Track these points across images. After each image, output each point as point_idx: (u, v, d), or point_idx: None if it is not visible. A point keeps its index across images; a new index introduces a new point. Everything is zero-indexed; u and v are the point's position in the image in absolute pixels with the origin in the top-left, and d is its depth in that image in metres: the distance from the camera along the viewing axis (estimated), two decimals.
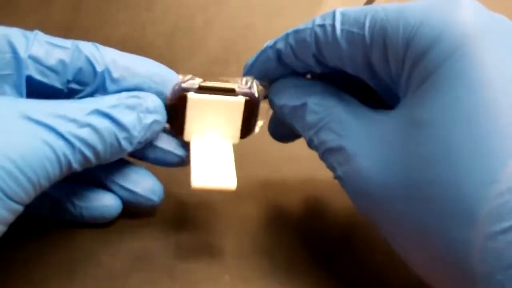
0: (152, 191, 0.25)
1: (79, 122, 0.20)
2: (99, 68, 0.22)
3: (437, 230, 0.18)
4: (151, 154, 0.25)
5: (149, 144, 0.24)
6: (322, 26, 0.22)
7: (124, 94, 0.22)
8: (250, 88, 0.24)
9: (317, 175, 0.29)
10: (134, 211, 0.27)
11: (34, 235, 0.25)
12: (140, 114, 0.22)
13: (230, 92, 0.24)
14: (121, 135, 0.22)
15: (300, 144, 0.27)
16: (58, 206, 0.25)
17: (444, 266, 0.18)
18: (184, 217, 0.27)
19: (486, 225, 0.16)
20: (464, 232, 0.17)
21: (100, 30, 0.36)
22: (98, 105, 0.21)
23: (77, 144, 0.20)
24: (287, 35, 0.24)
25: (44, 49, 0.22)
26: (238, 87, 0.24)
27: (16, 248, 0.24)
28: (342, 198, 0.28)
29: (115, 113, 0.22)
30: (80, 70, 0.22)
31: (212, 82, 0.24)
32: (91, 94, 0.23)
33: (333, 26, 0.22)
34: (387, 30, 0.20)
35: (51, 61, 0.22)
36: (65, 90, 0.22)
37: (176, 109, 0.24)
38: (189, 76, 0.24)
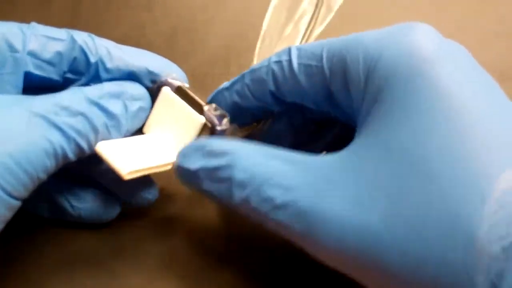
0: (148, 190, 0.25)
1: (72, 111, 0.21)
2: (92, 59, 0.23)
3: (432, 259, 0.16)
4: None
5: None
6: (279, 62, 0.22)
7: (106, 83, 0.23)
8: (218, 117, 0.23)
9: None
10: (134, 211, 0.27)
11: (32, 234, 0.25)
12: (126, 101, 0.23)
13: (199, 108, 0.23)
14: (110, 123, 0.22)
15: None
16: (57, 207, 0.25)
17: None
18: (183, 217, 0.27)
19: (486, 247, 0.16)
20: (465, 257, 0.16)
21: (100, 30, 0.36)
22: (88, 94, 0.21)
23: (72, 134, 0.20)
24: (243, 76, 0.24)
25: (40, 42, 0.22)
26: (209, 109, 0.23)
27: (15, 248, 0.24)
28: None
29: (104, 103, 0.22)
30: (74, 60, 0.23)
31: (191, 92, 0.24)
32: (86, 84, 0.23)
33: (289, 61, 0.22)
34: (346, 61, 0.20)
35: (48, 54, 0.22)
36: (61, 81, 0.23)
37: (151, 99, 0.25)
38: (180, 80, 0.25)
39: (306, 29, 0.28)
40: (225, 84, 0.25)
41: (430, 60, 0.18)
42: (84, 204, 0.25)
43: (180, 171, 0.22)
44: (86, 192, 0.25)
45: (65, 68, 0.23)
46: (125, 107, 0.23)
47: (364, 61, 0.19)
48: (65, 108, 0.20)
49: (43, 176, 0.20)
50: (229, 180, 0.20)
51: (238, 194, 0.20)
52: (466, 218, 0.16)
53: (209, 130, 0.23)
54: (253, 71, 0.23)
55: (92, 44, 0.23)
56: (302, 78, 0.22)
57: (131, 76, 0.23)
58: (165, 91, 0.24)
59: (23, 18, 0.41)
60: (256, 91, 0.23)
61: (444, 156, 0.17)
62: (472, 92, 0.18)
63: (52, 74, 0.23)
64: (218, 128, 0.23)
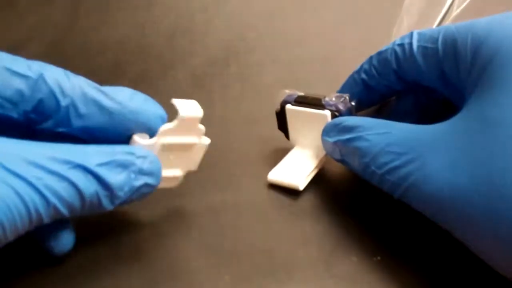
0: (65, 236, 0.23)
1: (59, 176, 0.19)
2: (63, 102, 0.20)
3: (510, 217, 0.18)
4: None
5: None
6: (401, 45, 0.26)
7: (119, 149, 0.21)
8: (337, 102, 0.27)
9: (317, 175, 0.29)
10: (134, 211, 0.27)
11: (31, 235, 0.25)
12: (131, 174, 0.21)
13: (319, 104, 0.28)
14: (103, 193, 0.20)
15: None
16: None
17: None
18: (183, 217, 0.27)
19: None
20: None
21: (100, 30, 0.36)
22: (86, 160, 0.19)
23: (52, 200, 0.18)
24: (371, 58, 0.28)
25: (1, 77, 0.20)
26: (326, 100, 0.27)
27: (14, 248, 0.24)
28: (342, 198, 0.28)
29: (103, 173, 0.20)
30: (41, 101, 0.20)
31: (308, 94, 0.28)
32: (53, 127, 0.21)
33: (410, 44, 0.25)
34: (457, 41, 0.23)
35: (8, 92, 0.20)
36: (23, 120, 0.20)
37: (281, 118, 0.30)
38: (292, 91, 0.29)
39: (446, 12, 0.31)
40: (356, 69, 0.29)
41: None
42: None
43: (324, 144, 0.27)
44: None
45: (28, 108, 0.20)
46: (129, 180, 0.21)
47: (472, 41, 0.22)
48: (52, 173, 0.18)
49: (11, 237, 0.18)
50: (355, 149, 0.24)
51: (361, 161, 0.24)
52: None
53: (335, 116, 0.27)
54: (379, 53, 0.27)
55: (67, 84, 0.20)
56: (419, 58, 0.25)
57: (106, 125, 0.21)
58: (288, 108, 0.29)
59: (23, 18, 0.41)
60: (381, 70, 0.27)
61: None
62: None
63: (12, 112, 0.20)
64: (341, 111, 0.27)
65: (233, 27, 0.37)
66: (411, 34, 0.25)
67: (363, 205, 0.27)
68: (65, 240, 0.23)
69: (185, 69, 0.31)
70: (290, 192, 0.28)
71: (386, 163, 0.22)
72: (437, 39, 0.24)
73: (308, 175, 0.28)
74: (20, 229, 0.18)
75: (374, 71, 0.27)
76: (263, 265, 0.24)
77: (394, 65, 0.26)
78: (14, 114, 0.20)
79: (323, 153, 0.28)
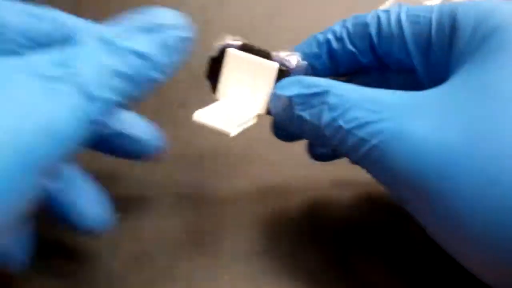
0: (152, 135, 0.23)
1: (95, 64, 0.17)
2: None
3: (505, 178, 0.17)
4: (120, 144, 0.23)
5: (117, 132, 0.23)
6: (387, 11, 0.24)
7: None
8: (288, 58, 0.24)
9: (317, 175, 0.29)
10: (134, 211, 0.27)
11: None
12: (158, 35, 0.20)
13: (267, 57, 0.24)
14: (144, 65, 0.19)
15: (300, 144, 0.27)
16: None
17: (504, 219, 0.17)
18: (183, 217, 0.27)
19: None
20: None
21: None
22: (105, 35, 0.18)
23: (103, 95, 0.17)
24: (344, 21, 0.25)
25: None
26: (276, 54, 0.24)
27: None
28: (342, 198, 0.28)
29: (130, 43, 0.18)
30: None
31: (255, 45, 0.25)
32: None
33: (398, 12, 0.23)
34: (457, 12, 0.22)
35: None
36: None
37: (215, 64, 0.25)
38: (236, 38, 0.25)
39: None
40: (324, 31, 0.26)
41: None
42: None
43: (274, 99, 0.23)
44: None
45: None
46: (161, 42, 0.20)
47: (476, 14, 0.21)
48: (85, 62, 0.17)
49: (75, 147, 0.17)
50: (321, 104, 0.22)
51: (328, 115, 0.22)
52: None
53: (284, 75, 0.24)
54: (356, 17, 0.25)
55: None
56: (406, 26, 0.23)
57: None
58: (231, 51, 0.25)
59: None
60: (355, 33, 0.24)
61: None
62: None
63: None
64: (291, 66, 0.24)
65: (232, 28, 0.37)
66: (399, 4, 0.24)
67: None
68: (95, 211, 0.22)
69: (185, 68, 0.31)
70: (286, 190, 0.28)
71: (357, 118, 0.21)
72: (431, 10, 0.23)
73: (240, 125, 0.24)
74: (81, 135, 0.17)
75: (344, 33, 0.25)
76: (263, 265, 0.24)
77: (373, 31, 0.24)
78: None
79: (259, 109, 0.24)
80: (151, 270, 0.24)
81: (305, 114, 0.22)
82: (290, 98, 0.23)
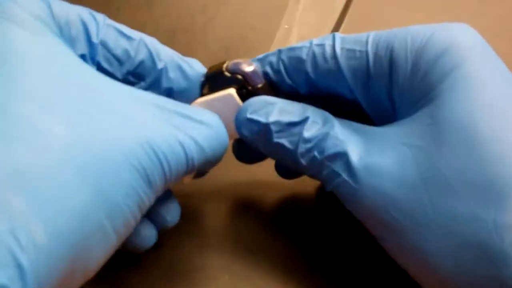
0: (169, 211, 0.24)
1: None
2: (159, 65, 0.23)
3: (465, 214, 0.18)
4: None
5: None
6: (321, 45, 0.23)
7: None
8: (242, 66, 0.23)
9: None
10: None
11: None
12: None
13: (221, 77, 0.24)
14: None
15: None
16: None
17: (472, 252, 0.18)
18: (183, 217, 0.27)
19: None
20: (497, 215, 0.17)
21: None
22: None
23: (203, 147, 0.21)
24: (279, 51, 0.24)
25: (112, 35, 0.22)
26: (228, 67, 0.24)
27: None
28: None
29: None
30: (141, 63, 0.22)
31: (206, 74, 0.24)
32: (145, 88, 0.23)
33: (333, 46, 0.22)
34: (394, 44, 0.21)
35: (118, 49, 0.22)
36: (122, 80, 0.22)
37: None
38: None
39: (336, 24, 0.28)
40: (259, 56, 0.25)
41: (473, 52, 0.20)
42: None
43: (248, 124, 0.23)
44: None
45: (130, 68, 0.22)
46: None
47: (412, 43, 0.21)
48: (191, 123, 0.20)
49: (172, 180, 0.20)
50: (298, 134, 0.22)
51: (301, 148, 0.22)
52: (502, 179, 0.18)
53: (244, 84, 0.23)
54: (292, 49, 0.24)
55: (160, 49, 0.23)
56: (343, 61, 0.22)
57: (187, 88, 0.24)
58: (197, 101, 0.24)
59: None
60: (291, 69, 0.24)
61: (494, 123, 0.19)
62: (500, 80, 0.20)
63: (117, 71, 0.22)
64: (246, 70, 0.23)
65: (232, 28, 0.37)
66: (333, 36, 0.23)
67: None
68: (149, 232, 0.23)
69: None
70: (286, 189, 0.28)
71: (326, 149, 0.21)
72: (366, 42, 0.22)
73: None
74: (180, 174, 0.20)
75: (281, 67, 0.24)
76: (263, 265, 0.24)
77: (309, 67, 0.23)
78: (117, 73, 0.22)
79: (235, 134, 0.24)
80: (152, 270, 0.24)
81: (284, 142, 0.22)
82: (267, 125, 0.22)
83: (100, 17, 0.22)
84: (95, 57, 0.22)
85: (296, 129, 0.22)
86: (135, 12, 0.38)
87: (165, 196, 0.23)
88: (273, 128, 0.22)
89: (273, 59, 0.24)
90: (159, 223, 0.23)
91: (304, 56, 0.23)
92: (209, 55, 0.36)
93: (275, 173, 0.29)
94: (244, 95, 0.23)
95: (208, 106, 0.24)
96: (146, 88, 0.23)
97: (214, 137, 0.21)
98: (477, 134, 0.19)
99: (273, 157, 0.24)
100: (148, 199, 0.19)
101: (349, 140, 0.21)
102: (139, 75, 0.23)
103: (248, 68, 0.23)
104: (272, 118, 0.22)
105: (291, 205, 0.28)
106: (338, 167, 0.21)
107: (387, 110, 0.22)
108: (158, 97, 0.21)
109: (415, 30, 0.21)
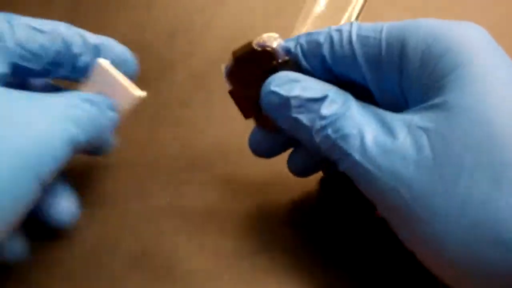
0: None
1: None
2: (75, 49, 0.24)
3: (479, 197, 0.18)
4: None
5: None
6: (339, 30, 0.23)
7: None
8: (269, 41, 0.25)
9: (317, 174, 0.29)
10: (133, 211, 0.27)
11: (30, 236, 0.25)
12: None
13: (251, 54, 0.25)
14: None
15: None
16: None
17: (485, 235, 0.18)
18: (183, 217, 0.27)
19: None
20: (506, 197, 0.18)
21: (100, 30, 0.36)
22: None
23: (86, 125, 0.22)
24: (298, 37, 0.25)
25: (27, 33, 0.23)
26: (257, 43, 0.25)
27: None
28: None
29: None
30: (58, 53, 0.24)
31: (235, 57, 0.25)
32: (64, 75, 0.24)
33: (350, 32, 0.23)
34: (406, 33, 0.22)
35: (34, 45, 0.23)
36: (41, 71, 0.24)
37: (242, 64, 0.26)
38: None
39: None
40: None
41: (482, 47, 0.21)
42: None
43: (270, 95, 0.24)
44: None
45: (48, 59, 0.23)
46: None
47: (424, 35, 0.21)
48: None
49: (62, 164, 0.21)
50: (316, 111, 0.22)
51: (319, 123, 0.22)
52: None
53: (269, 56, 0.25)
54: (310, 34, 0.24)
55: (73, 34, 0.24)
56: (357, 47, 0.23)
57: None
58: (101, 63, 0.24)
59: None
60: (308, 52, 0.24)
61: (503, 114, 0.19)
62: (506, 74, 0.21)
63: (35, 65, 0.23)
64: (273, 46, 0.25)
65: (232, 28, 0.37)
66: (351, 23, 0.24)
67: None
68: (67, 209, 0.24)
69: (184, 69, 0.31)
70: (286, 189, 0.28)
71: (342, 128, 0.22)
72: (380, 31, 0.23)
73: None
74: (64, 160, 0.22)
75: (299, 50, 0.24)
76: (262, 265, 0.24)
77: (326, 52, 0.24)
78: (36, 67, 0.23)
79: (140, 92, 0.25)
80: (151, 270, 0.24)
81: (302, 118, 0.23)
82: (288, 99, 0.23)
83: (12, 18, 0.23)
84: (10, 59, 0.23)
85: (314, 106, 0.23)
86: (135, 12, 0.38)
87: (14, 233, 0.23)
88: (293, 102, 0.23)
89: (292, 43, 0.25)
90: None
91: (322, 40, 0.24)
92: (209, 55, 0.36)
93: (274, 173, 0.29)
94: (272, 70, 0.24)
95: (91, 87, 0.25)
96: (66, 75, 0.24)
97: (92, 118, 0.23)
98: (491, 118, 0.19)
99: (289, 133, 0.24)
100: (36, 194, 0.20)
101: (365, 122, 0.22)
102: (57, 64, 0.24)
103: (275, 42, 0.25)
104: (293, 93, 0.23)
105: (291, 205, 0.28)
106: (351, 147, 0.21)
107: (397, 99, 0.23)
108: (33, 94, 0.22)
109: (427, 23, 0.22)
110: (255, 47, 0.25)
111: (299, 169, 0.27)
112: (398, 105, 0.23)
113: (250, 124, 0.26)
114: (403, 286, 0.24)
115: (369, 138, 0.21)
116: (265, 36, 0.25)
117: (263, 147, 0.26)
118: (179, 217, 0.27)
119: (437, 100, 0.21)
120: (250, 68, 0.25)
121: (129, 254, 0.25)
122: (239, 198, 0.28)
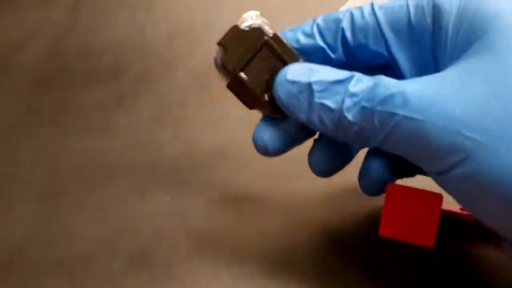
0: None
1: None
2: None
3: None
4: None
5: None
6: (359, 8, 0.23)
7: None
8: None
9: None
10: (133, 211, 0.27)
11: (30, 234, 0.25)
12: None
13: (241, 35, 0.24)
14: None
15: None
16: None
17: None
18: (183, 217, 0.27)
19: None
20: None
21: (100, 30, 0.36)
22: None
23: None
24: (314, 18, 0.24)
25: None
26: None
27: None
28: (342, 198, 0.28)
29: None
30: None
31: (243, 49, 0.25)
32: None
33: (371, 5, 0.23)
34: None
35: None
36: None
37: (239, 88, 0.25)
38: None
39: None
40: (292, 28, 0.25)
41: None
42: None
43: (286, 85, 0.23)
44: None
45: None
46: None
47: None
48: None
49: None
50: (343, 92, 0.22)
51: (350, 100, 0.21)
52: None
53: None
54: (328, 14, 0.24)
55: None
56: (381, 15, 0.23)
57: None
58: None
59: (23, 17, 0.41)
60: (325, 29, 0.24)
61: None
62: None
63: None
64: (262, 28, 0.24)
65: None
66: (371, 3, 0.23)
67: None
68: None
69: (185, 69, 0.31)
70: (286, 188, 0.28)
71: (381, 93, 0.21)
72: (406, 2, 0.22)
73: None
74: None
75: (315, 29, 0.24)
76: (263, 265, 0.24)
77: (345, 24, 0.23)
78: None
79: None
80: (151, 270, 0.24)
81: (328, 102, 0.22)
82: (309, 84, 0.22)
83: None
84: None
85: (341, 87, 0.22)
86: (135, 12, 0.38)
87: None
88: (315, 87, 0.22)
89: (307, 26, 0.24)
90: None
91: (341, 16, 0.23)
92: (209, 55, 0.36)
93: (273, 173, 0.29)
94: (264, 46, 0.24)
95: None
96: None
97: None
98: None
99: (311, 125, 0.23)
100: None
101: (402, 82, 0.21)
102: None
103: (258, 18, 0.25)
104: (314, 78, 0.22)
105: (291, 205, 0.28)
106: (393, 107, 0.20)
107: (427, 64, 0.22)
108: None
109: None
110: (244, 27, 0.24)
111: (323, 168, 0.25)
112: (426, 69, 0.22)
113: (250, 124, 0.26)
114: None
115: (412, 92, 0.20)
116: (246, 15, 0.25)
117: (270, 144, 0.25)
118: (179, 217, 0.27)
119: (478, 45, 0.20)
120: (242, 51, 0.24)
121: (129, 254, 0.25)
122: (239, 198, 0.28)
